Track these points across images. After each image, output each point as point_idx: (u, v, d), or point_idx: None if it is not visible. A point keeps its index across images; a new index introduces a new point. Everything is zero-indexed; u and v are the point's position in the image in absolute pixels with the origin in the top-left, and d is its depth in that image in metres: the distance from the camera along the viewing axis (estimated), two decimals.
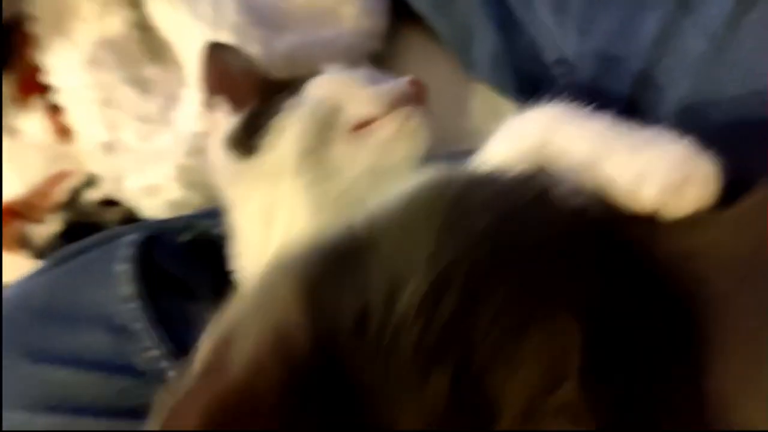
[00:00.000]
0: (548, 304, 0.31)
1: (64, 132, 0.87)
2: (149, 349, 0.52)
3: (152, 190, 0.78)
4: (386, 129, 0.50)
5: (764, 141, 0.50)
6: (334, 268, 0.32)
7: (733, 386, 0.31)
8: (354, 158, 0.49)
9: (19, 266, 0.74)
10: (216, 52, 0.57)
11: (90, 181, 0.82)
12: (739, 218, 0.35)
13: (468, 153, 0.77)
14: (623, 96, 0.56)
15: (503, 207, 0.35)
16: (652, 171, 0.35)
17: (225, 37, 0.76)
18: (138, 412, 0.49)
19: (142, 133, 0.80)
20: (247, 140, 0.51)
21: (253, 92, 0.54)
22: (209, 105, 0.56)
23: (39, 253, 0.80)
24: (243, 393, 0.28)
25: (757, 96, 0.49)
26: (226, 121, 0.54)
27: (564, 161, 0.39)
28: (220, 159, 0.53)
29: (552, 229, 0.35)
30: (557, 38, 0.62)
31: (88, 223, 0.80)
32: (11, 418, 0.50)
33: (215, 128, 0.55)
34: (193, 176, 0.76)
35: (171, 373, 0.50)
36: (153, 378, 0.50)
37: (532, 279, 0.32)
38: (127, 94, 0.82)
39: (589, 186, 0.38)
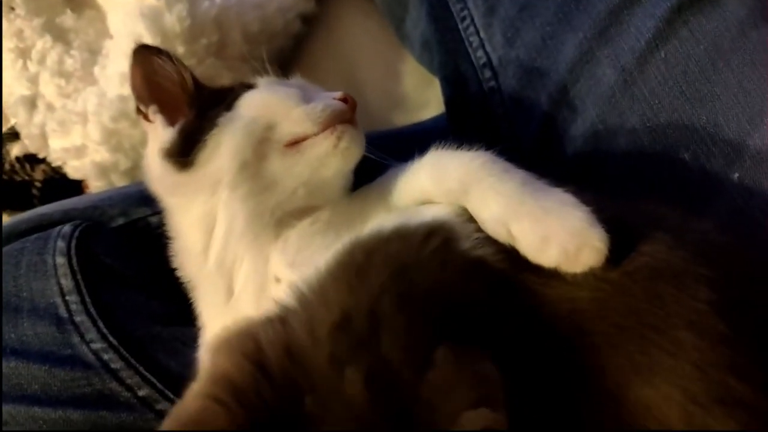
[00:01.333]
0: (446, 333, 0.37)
1: None
2: (93, 342, 0.54)
3: (77, 151, 0.77)
4: (319, 146, 0.51)
5: (652, 175, 0.56)
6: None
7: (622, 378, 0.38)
8: (289, 172, 0.50)
9: None
10: (143, 57, 0.55)
11: (13, 134, 0.79)
12: (620, 281, 0.42)
13: (401, 132, 0.80)
14: (541, 112, 0.60)
15: (398, 263, 0.40)
16: (554, 237, 0.40)
17: None
18: (85, 402, 0.54)
19: (64, 90, 0.77)
20: (183, 154, 0.51)
21: (184, 101, 0.54)
22: (141, 113, 0.55)
23: None
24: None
25: (652, 132, 0.54)
26: (161, 131, 0.54)
27: (480, 214, 0.44)
28: (157, 169, 0.53)
29: (443, 276, 0.41)
30: (484, 41, 0.64)
31: (12, 181, 0.79)
32: None
33: (151, 137, 0.55)
34: (120, 140, 0.76)
35: (115, 365, 0.53)
36: (100, 369, 0.53)
37: (427, 312, 0.38)
38: (45, 45, 0.78)
39: (499, 238, 0.43)
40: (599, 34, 0.56)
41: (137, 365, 0.54)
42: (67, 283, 0.55)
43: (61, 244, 0.57)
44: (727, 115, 0.51)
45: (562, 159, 0.59)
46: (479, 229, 0.44)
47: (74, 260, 0.56)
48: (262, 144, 0.51)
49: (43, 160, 0.80)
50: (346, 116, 0.53)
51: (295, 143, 0.52)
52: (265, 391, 0.34)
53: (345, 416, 0.34)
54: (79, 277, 0.56)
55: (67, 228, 0.58)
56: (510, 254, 0.42)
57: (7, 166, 0.80)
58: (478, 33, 0.65)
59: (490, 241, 0.43)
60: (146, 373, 0.54)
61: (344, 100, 0.54)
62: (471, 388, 0.34)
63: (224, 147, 0.51)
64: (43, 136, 0.78)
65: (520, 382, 0.36)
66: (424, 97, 0.86)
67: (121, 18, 0.75)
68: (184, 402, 0.35)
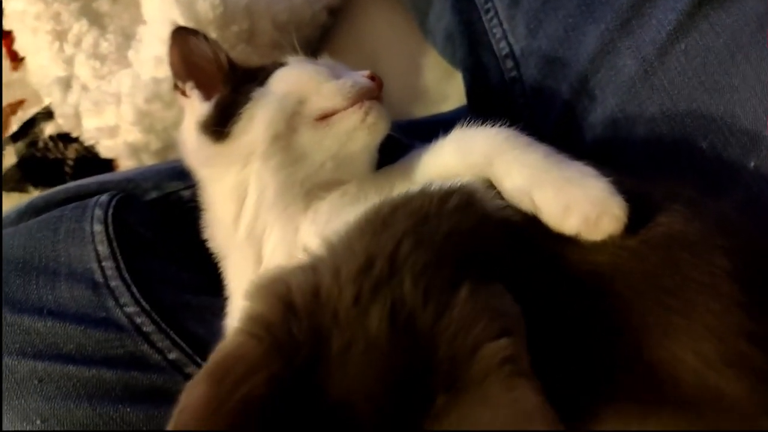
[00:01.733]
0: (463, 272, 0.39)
1: (16, 58, 0.85)
2: (127, 306, 0.56)
3: (111, 131, 0.80)
4: (348, 120, 0.53)
5: (670, 163, 0.58)
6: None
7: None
8: (318, 145, 0.53)
9: None
10: (181, 37, 0.57)
11: (48, 114, 0.82)
12: (637, 248, 0.44)
13: (420, 122, 0.82)
14: (562, 101, 0.62)
15: (420, 214, 0.42)
16: (576, 205, 0.42)
17: None
18: (117, 362, 0.56)
19: (99, 72, 0.80)
20: (219, 126, 0.53)
21: (219, 78, 0.56)
22: (178, 89, 0.58)
23: None
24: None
25: (670, 121, 0.56)
26: (197, 105, 0.56)
27: (503, 183, 0.46)
28: (193, 141, 0.55)
29: (463, 226, 0.43)
30: (507, 32, 0.66)
31: (45, 159, 0.81)
32: None
33: (188, 112, 0.57)
34: (153, 121, 0.78)
35: (147, 328, 0.55)
36: (132, 332, 0.55)
37: (447, 256, 0.40)
38: (81, 29, 0.81)
39: (522, 207, 0.45)
40: (621, 26, 0.58)
41: (168, 329, 0.56)
42: (103, 249, 0.57)
43: (98, 212, 0.59)
44: (745, 107, 0.53)
45: (581, 146, 0.61)
46: (501, 196, 0.46)
47: (110, 228, 0.59)
48: (293, 117, 0.54)
49: (76, 140, 0.83)
50: (373, 93, 0.55)
51: (324, 117, 0.54)
52: (296, 329, 0.36)
53: (369, 356, 0.35)
54: (114, 244, 0.58)
55: (104, 198, 0.61)
56: (531, 219, 0.44)
57: (40, 144, 0.83)
58: (501, 24, 0.67)
59: (511, 206, 0.45)
60: (176, 338, 0.56)
61: (371, 78, 0.56)
62: (492, 320, 0.36)
63: (257, 120, 0.53)
64: (77, 116, 0.80)
65: (536, 331, 0.38)
66: (445, 91, 0.88)
67: (156, 4, 0.77)
68: (225, 341, 0.37)
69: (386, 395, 0.35)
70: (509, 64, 0.66)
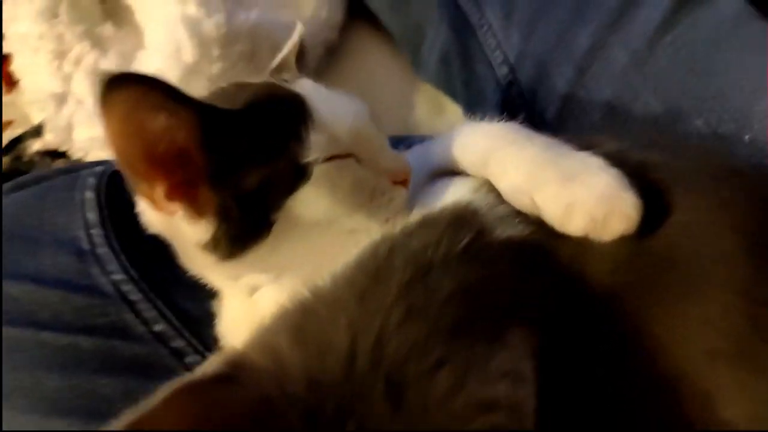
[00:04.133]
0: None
1: (10, 81, 0.86)
2: (113, 273, 0.52)
3: (103, 142, 0.78)
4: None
5: (668, 146, 0.60)
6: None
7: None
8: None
9: None
10: (131, 100, 0.36)
11: (36, 131, 0.81)
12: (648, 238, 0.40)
13: (410, 139, 0.83)
14: (559, 95, 0.65)
15: (421, 262, 0.38)
16: (579, 203, 0.38)
17: (192, 5, 0.79)
18: (97, 331, 0.51)
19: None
20: (245, 236, 0.41)
21: (202, 171, 0.39)
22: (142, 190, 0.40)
23: None
24: None
25: (665, 104, 0.59)
26: (187, 228, 0.41)
27: (500, 184, 0.42)
28: (193, 258, 0.45)
29: (472, 278, 0.38)
30: (502, 42, 0.70)
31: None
32: None
33: (173, 233, 0.44)
34: None
35: (133, 296, 0.51)
36: (117, 299, 0.51)
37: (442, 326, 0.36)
38: (83, 50, 0.83)
39: (523, 208, 0.41)
40: (610, 25, 0.63)
41: (155, 299, 0.52)
42: (92, 216, 0.54)
43: (91, 180, 0.57)
44: (734, 87, 0.56)
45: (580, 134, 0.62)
46: (504, 203, 0.42)
47: (102, 196, 0.56)
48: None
49: (63, 154, 0.81)
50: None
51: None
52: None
53: None
54: (105, 212, 0.55)
55: (99, 168, 0.58)
56: (540, 224, 0.41)
57: (25, 159, 0.81)
58: (495, 36, 0.71)
59: (517, 215, 0.41)
60: (164, 308, 0.52)
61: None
62: (477, 410, 0.33)
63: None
64: (69, 128, 0.80)
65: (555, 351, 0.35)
66: (436, 126, 0.91)
67: (161, 27, 0.80)
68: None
69: None
70: (504, 70, 0.70)
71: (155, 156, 0.39)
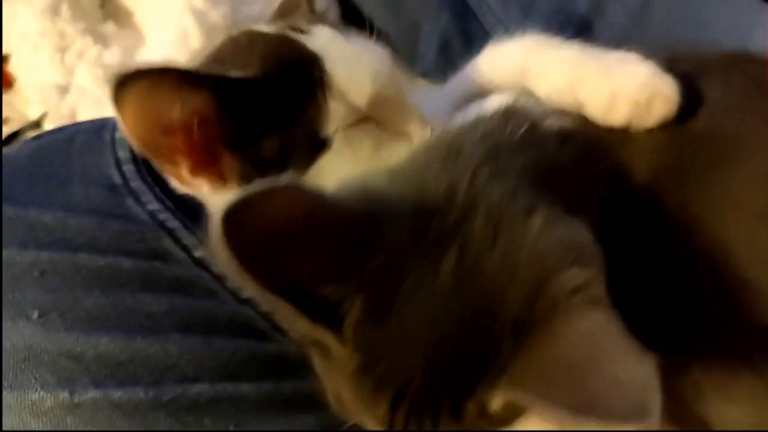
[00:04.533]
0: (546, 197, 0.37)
1: (7, 81, 0.85)
2: (149, 203, 0.50)
3: None
4: None
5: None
6: None
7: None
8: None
9: None
10: (147, 88, 0.38)
11: (36, 124, 0.80)
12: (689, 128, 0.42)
13: None
14: None
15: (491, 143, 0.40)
16: (622, 91, 0.40)
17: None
18: (137, 254, 0.49)
19: (101, 79, 0.81)
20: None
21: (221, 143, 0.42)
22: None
23: None
24: None
25: (664, 51, 0.63)
26: (213, 196, 0.43)
27: (542, 88, 0.44)
28: None
29: (534, 152, 0.40)
30: (502, 19, 0.75)
31: None
32: None
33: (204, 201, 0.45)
34: None
35: (171, 224, 0.49)
36: (155, 227, 0.50)
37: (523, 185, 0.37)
38: (86, 45, 0.83)
39: (567, 108, 0.42)
40: None
41: (194, 227, 0.51)
42: (124, 154, 0.53)
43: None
44: (726, 36, 0.61)
45: None
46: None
47: None
48: None
49: None
50: None
51: None
52: None
53: (431, 303, 0.33)
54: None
55: None
56: (584, 121, 0.42)
57: None
58: (495, 15, 0.76)
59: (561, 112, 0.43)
60: (204, 236, 0.51)
61: None
62: (564, 251, 0.34)
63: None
64: (72, 116, 0.79)
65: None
66: None
67: (166, 19, 0.82)
68: None
69: (442, 353, 0.32)
70: None
71: (175, 140, 0.41)
